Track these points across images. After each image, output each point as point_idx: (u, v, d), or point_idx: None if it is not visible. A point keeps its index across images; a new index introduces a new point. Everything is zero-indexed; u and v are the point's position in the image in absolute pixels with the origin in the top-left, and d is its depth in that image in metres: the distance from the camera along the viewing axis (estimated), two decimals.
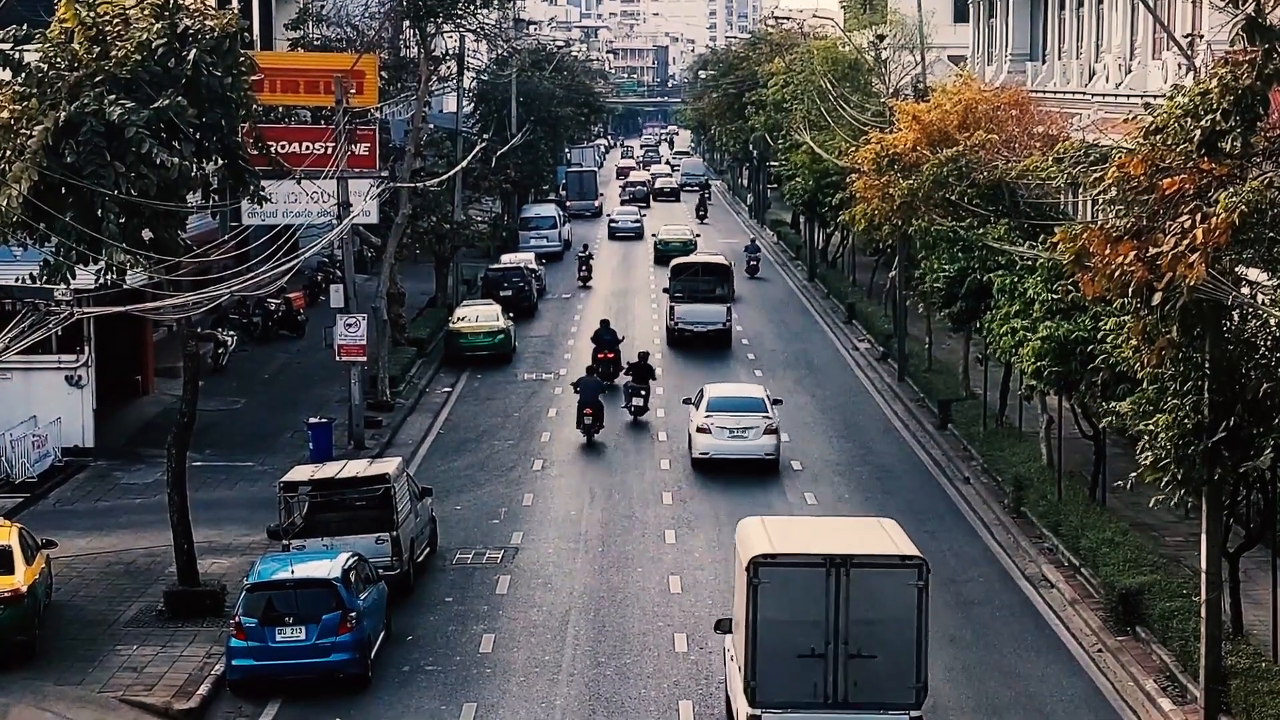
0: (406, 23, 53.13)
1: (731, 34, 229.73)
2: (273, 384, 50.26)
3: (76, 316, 27.76)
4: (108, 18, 27.69)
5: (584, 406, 43.15)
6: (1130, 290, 21.87)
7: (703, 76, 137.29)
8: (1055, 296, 32.35)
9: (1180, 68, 37.37)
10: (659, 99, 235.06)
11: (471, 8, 53.25)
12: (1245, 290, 22.52)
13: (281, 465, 36.22)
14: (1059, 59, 52.11)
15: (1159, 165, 21.46)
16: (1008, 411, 41.73)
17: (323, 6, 60.16)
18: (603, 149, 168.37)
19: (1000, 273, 36.58)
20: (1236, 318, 23.22)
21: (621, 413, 46.07)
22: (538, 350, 57.64)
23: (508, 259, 69.77)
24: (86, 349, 39.59)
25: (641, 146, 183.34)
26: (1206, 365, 22.79)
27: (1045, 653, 28.01)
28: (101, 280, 27.77)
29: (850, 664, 21.86)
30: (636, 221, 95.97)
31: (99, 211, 26.45)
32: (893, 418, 46.55)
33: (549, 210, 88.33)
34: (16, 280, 29.19)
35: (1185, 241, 20.35)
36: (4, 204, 25.80)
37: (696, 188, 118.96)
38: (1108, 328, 26.66)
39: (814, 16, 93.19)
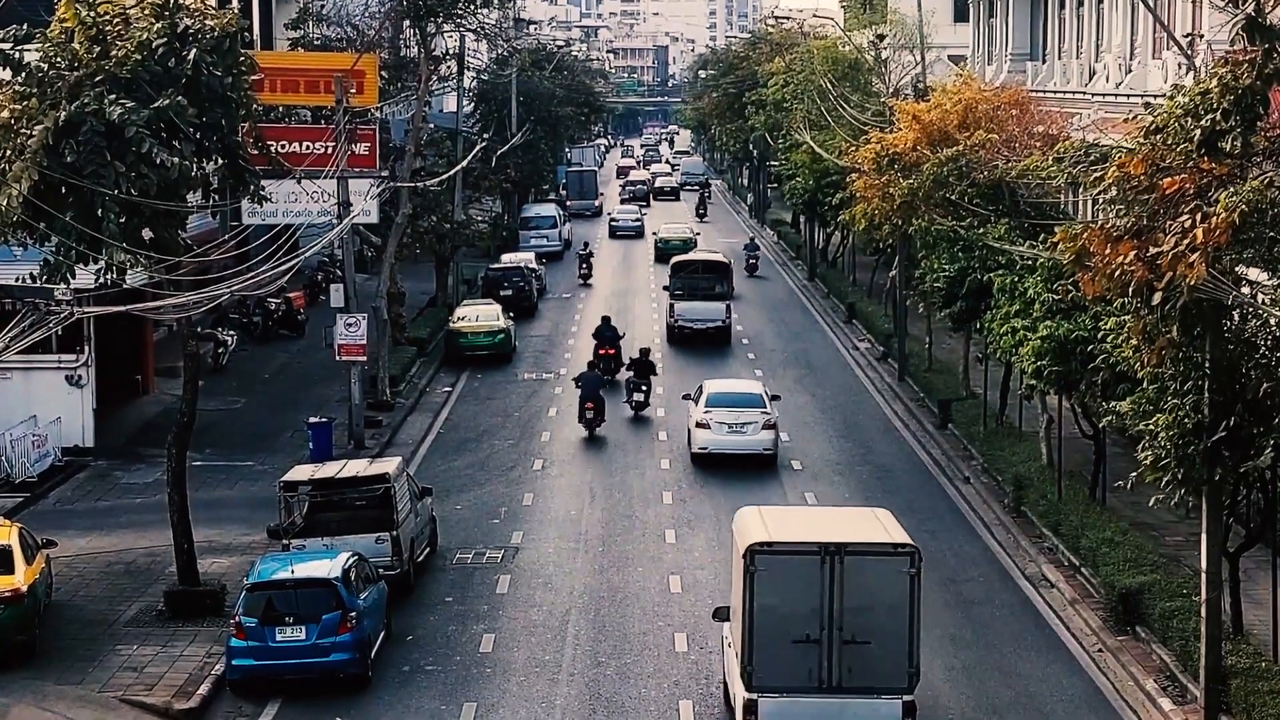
0: (406, 22, 53.16)
1: (731, 34, 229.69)
2: (273, 383, 50.26)
3: (76, 316, 27.74)
4: (108, 17, 27.69)
5: (585, 401, 43.58)
6: (1130, 290, 21.88)
7: (703, 76, 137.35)
8: (1055, 296, 32.34)
9: (1180, 67, 37.37)
10: (659, 99, 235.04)
11: (471, 7, 53.28)
12: (1245, 290, 22.52)
13: (281, 465, 36.22)
14: (1059, 58, 52.12)
15: (1159, 165, 21.47)
16: (1008, 411, 41.73)
17: (323, 6, 60.13)
18: (603, 149, 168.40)
19: (1000, 272, 36.58)
20: (1237, 317, 23.23)
21: (622, 408, 46.28)
22: (538, 350, 57.65)
23: (508, 258, 69.80)
24: (86, 349, 39.59)
25: (642, 146, 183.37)
26: (1207, 365, 22.79)
27: (1045, 652, 28.01)
28: (102, 280, 27.77)
29: (845, 649, 22.28)
30: (637, 220, 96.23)
31: (99, 211, 26.46)
32: (893, 417, 46.55)
33: (549, 210, 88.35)
34: (17, 280, 29.17)
35: (1185, 241, 20.36)
36: (4, 203, 25.80)
37: (696, 187, 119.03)
38: (1108, 327, 26.65)
39: (814, 16, 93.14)
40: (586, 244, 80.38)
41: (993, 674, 26.97)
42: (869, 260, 67.12)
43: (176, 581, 29.67)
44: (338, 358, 42.92)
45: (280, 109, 46.78)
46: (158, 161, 26.60)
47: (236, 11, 30.65)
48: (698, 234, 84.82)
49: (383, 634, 27.77)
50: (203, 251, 29.89)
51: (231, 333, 53.15)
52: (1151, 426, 23.59)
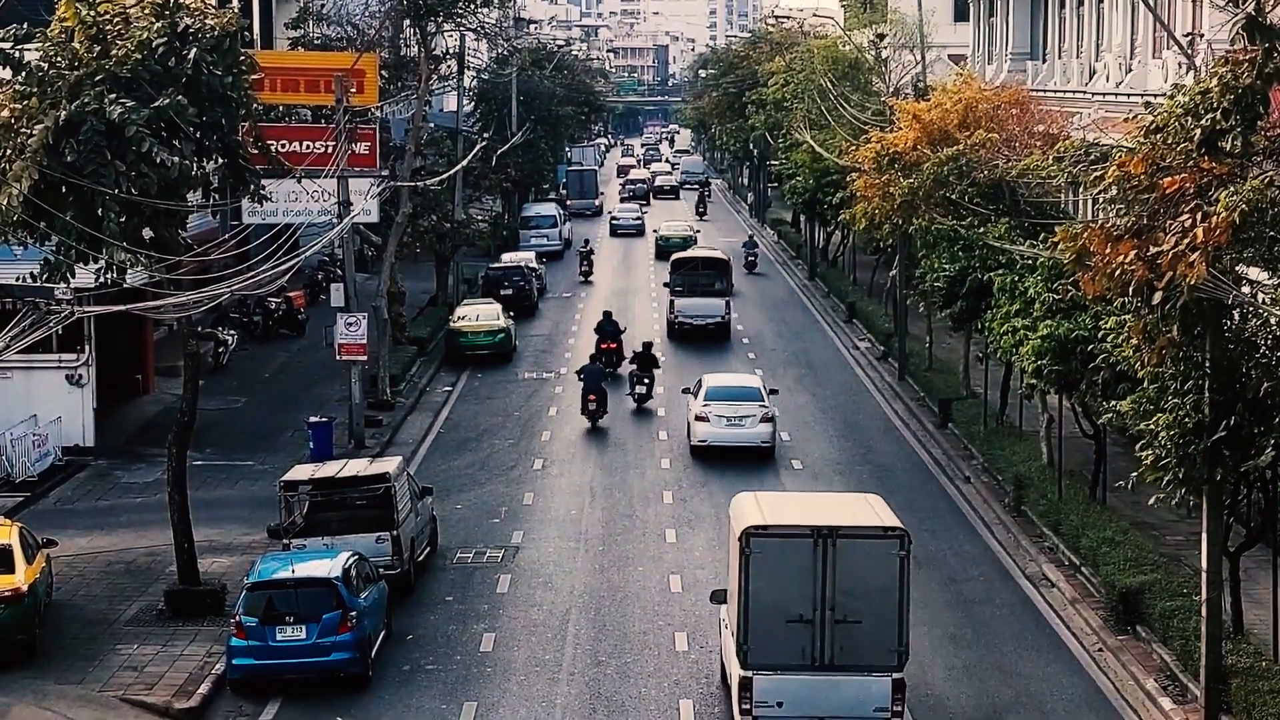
0: (407, 21, 53.16)
1: (732, 33, 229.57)
2: (273, 383, 50.26)
3: (77, 315, 27.73)
4: (108, 17, 27.68)
5: (588, 393, 44.41)
6: (1131, 289, 21.87)
7: (703, 75, 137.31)
8: (1056, 295, 32.34)
9: (1180, 67, 37.36)
10: (659, 98, 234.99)
11: (472, 7, 53.28)
12: (1246, 289, 22.52)
13: (282, 464, 36.22)
14: (1059, 58, 52.10)
15: (1159, 164, 21.47)
16: (1008, 410, 41.74)
17: (323, 5, 60.11)
18: (603, 148, 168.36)
19: (1001, 272, 36.56)
20: (1237, 317, 23.23)
21: (625, 400, 46.68)
22: (538, 349, 57.65)
23: (508, 258, 69.82)
24: (87, 348, 39.59)
25: (642, 145, 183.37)
26: (1207, 364, 22.79)
27: (1046, 652, 28.00)
28: (102, 279, 27.78)
29: (837, 629, 22.92)
30: (638, 219, 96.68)
31: (99, 210, 26.46)
32: (893, 417, 46.55)
33: (549, 209, 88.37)
34: (17, 279, 29.16)
35: (1186, 240, 20.35)
36: (4, 203, 25.79)
37: (696, 185, 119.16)
38: (1108, 327, 26.64)
39: (814, 16, 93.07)
40: (587, 241, 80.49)
41: (993, 673, 26.97)
42: (869, 260, 67.12)
43: (177, 581, 29.67)
44: (338, 357, 42.92)
45: (280, 108, 46.78)
46: (158, 161, 26.60)
47: (236, 11, 30.65)
48: (698, 232, 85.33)
49: (383, 633, 27.78)
50: (203, 251, 29.87)
51: (232, 332, 53.15)
52: (1152, 426, 23.60)
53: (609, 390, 45.77)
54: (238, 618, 25.98)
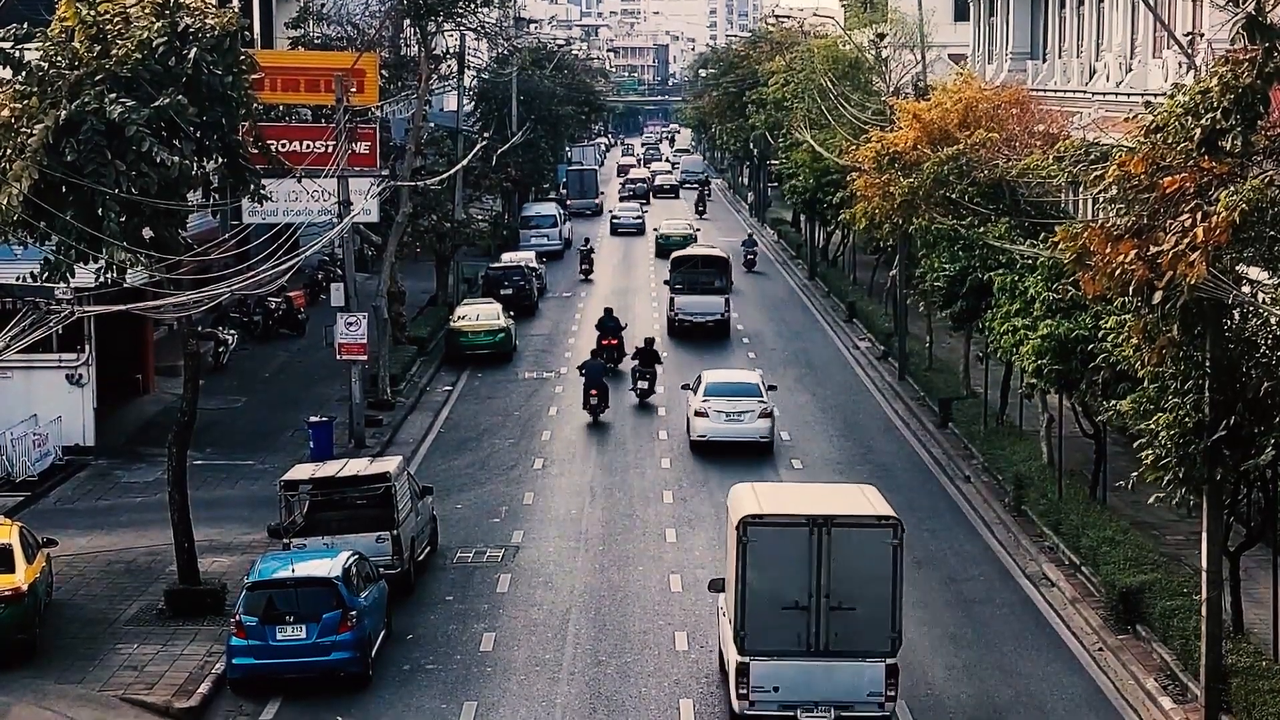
0: (407, 21, 53.15)
1: (732, 32, 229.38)
2: (273, 383, 50.27)
3: (77, 315, 27.73)
4: (108, 16, 27.68)
5: (590, 388, 45.08)
6: (1131, 289, 21.87)
7: (703, 75, 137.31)
8: (1056, 295, 32.34)
9: (1181, 66, 37.36)
10: (659, 98, 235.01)
11: (472, 6, 53.27)
12: (1246, 289, 22.51)
13: (282, 464, 36.23)
14: (1059, 57, 52.10)
15: (1159, 164, 21.46)
16: (1008, 410, 41.74)
17: (323, 5, 60.09)
18: (603, 147, 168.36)
19: (1001, 271, 36.56)
20: (1237, 316, 23.23)
21: (627, 395, 47.10)
22: (538, 349, 57.66)
23: (508, 257, 69.82)
24: (87, 347, 39.60)
25: (643, 145, 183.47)
26: (1207, 364, 22.79)
27: (1046, 651, 28.00)
28: (102, 279, 27.78)
29: (831, 615, 23.42)
30: (638, 218, 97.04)
31: (99, 210, 26.46)
32: (893, 416, 46.55)
33: (549, 209, 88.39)
34: (17, 279, 29.17)
35: (1186, 240, 20.35)
36: (5, 202, 25.79)
37: (696, 185, 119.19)
38: (1108, 326, 26.64)
39: (814, 15, 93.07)
40: (587, 240, 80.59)
41: (993, 673, 26.97)
42: (869, 259, 67.12)
43: (177, 580, 29.67)
44: (338, 357, 42.93)
45: (281, 108, 46.78)
46: (158, 160, 26.60)
47: (237, 10, 30.66)
48: (697, 230, 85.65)
49: (383, 633, 27.78)
50: (203, 250, 29.85)
51: (232, 332, 53.17)
52: (1152, 425, 23.59)
53: (610, 386, 46.26)
54: (238, 617, 25.98)
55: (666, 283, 60.89)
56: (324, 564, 26.96)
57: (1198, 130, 20.81)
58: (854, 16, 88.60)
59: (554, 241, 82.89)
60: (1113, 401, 27.62)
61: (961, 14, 71.53)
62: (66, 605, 29.49)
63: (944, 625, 29.04)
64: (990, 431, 40.84)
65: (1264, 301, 22.30)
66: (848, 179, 52.27)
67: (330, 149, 40.86)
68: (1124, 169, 21.83)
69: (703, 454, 41.14)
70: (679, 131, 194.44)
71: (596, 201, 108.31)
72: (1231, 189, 20.46)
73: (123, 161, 26.63)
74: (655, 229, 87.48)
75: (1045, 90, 50.43)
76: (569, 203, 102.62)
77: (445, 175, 55.75)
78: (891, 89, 57.38)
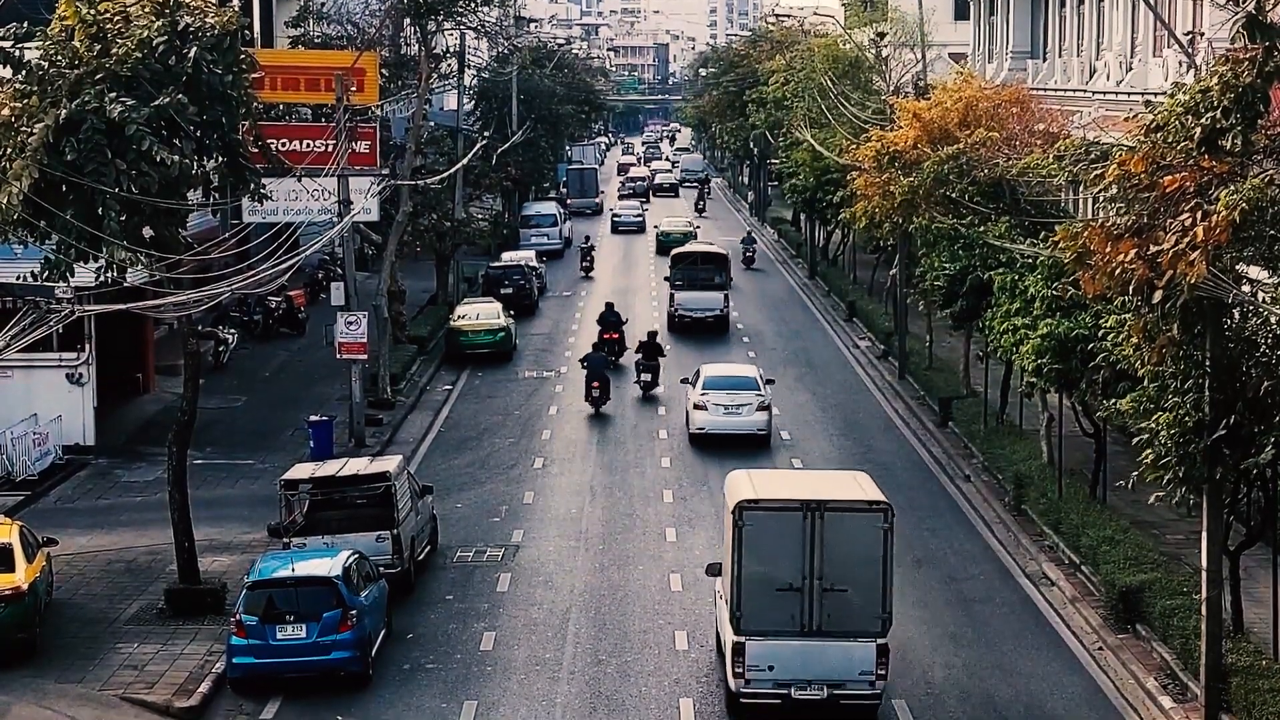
0: (407, 20, 53.14)
1: (732, 32, 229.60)
2: (273, 382, 50.27)
3: (77, 314, 27.75)
4: (108, 15, 27.68)
5: (592, 380, 45.95)
6: (1131, 288, 21.88)
7: (703, 74, 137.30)
8: (1056, 294, 32.34)
9: (1181, 65, 37.35)
10: (660, 97, 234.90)
11: (472, 5, 53.34)
12: (1246, 288, 22.50)
13: (282, 463, 36.23)
14: (1060, 56, 52.10)
15: (1160, 163, 21.47)
16: (1008, 409, 41.74)
17: (323, 4, 60.07)
18: (603, 147, 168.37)
19: (1001, 270, 36.56)
20: (1237, 316, 23.23)
21: (627, 394, 47.59)
22: (538, 348, 57.67)
23: (508, 257, 69.84)
24: (87, 347, 39.61)
25: (643, 144, 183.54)
26: (1207, 363, 22.79)
27: (1046, 650, 28.00)
28: (102, 278, 27.76)
29: (824, 597, 24.19)
30: (639, 216, 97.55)
31: (100, 209, 26.46)
32: (893, 415, 46.56)
33: (550, 208, 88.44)
34: (17, 278, 29.17)
35: (1186, 239, 20.36)
36: (5, 201, 25.78)
37: (695, 183, 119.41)
38: (1108, 325, 26.65)
39: (814, 14, 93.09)
40: (588, 238, 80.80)
41: (993, 672, 26.97)
42: (869, 258, 67.13)
43: (177, 580, 29.67)
44: (338, 356, 42.93)
45: (281, 107, 46.78)
46: (158, 159, 26.60)
47: (237, 9, 30.64)
48: (697, 226, 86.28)
49: (383, 632, 27.78)
50: (203, 250, 29.85)
51: (232, 331, 53.17)
52: (1152, 425, 23.60)
53: (611, 379, 47.06)
54: (238, 616, 25.98)
55: (667, 279, 61.66)
56: (324, 563, 26.96)
57: (1198, 129, 20.82)
58: (854, 15, 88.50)
59: (554, 240, 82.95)
60: (1113, 401, 27.62)
61: (962, 13, 71.55)
62: (67, 604, 29.49)
63: (944, 624, 29.04)
64: (990, 431, 40.84)
65: (1264, 301, 22.29)
66: (848, 178, 52.28)
67: (330, 148, 40.86)
68: (1124, 168, 21.83)
69: (702, 452, 41.21)
70: (679, 130, 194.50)
71: (596, 201, 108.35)
72: (1232, 188, 20.46)
73: (123, 160, 26.63)
74: (656, 226, 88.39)
75: (1045, 89, 50.43)
76: (569, 202, 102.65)
77: (445, 174, 55.75)
78: (892, 88, 57.37)
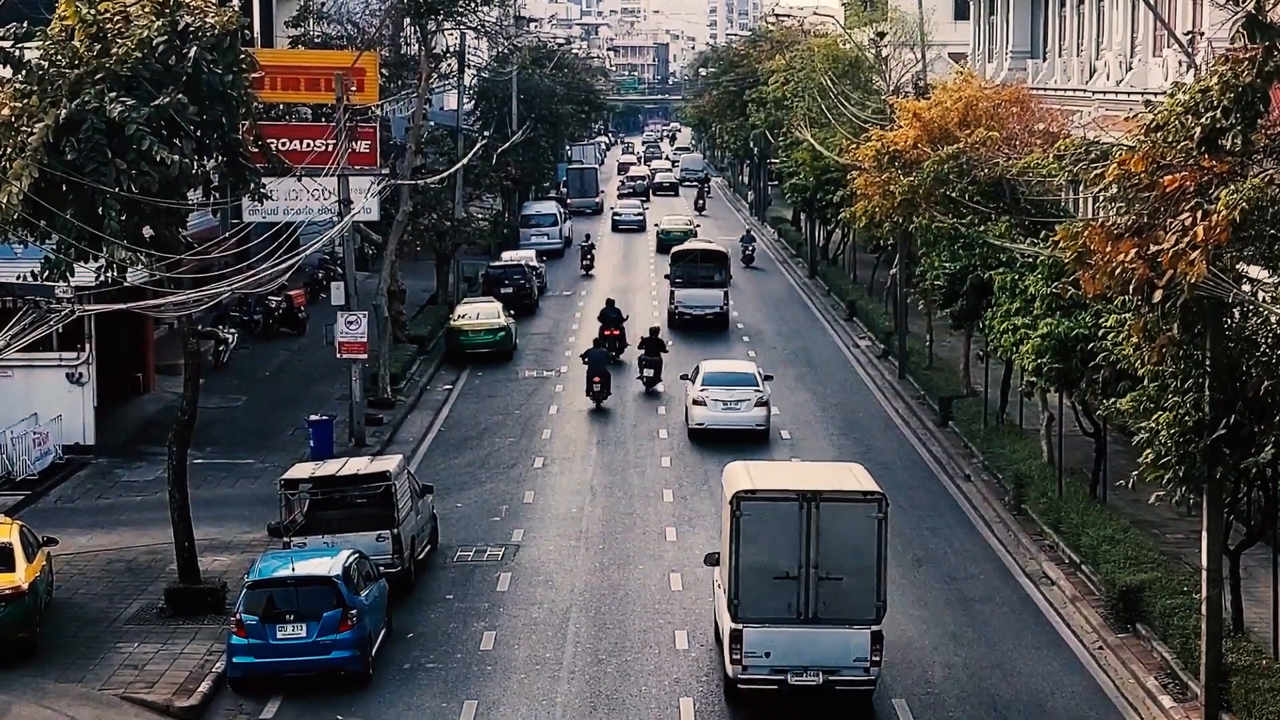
0: (407, 20, 53.15)
1: (732, 31, 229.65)
2: (274, 381, 50.27)
3: (77, 314, 27.75)
4: (108, 15, 27.68)
5: (593, 375, 46.54)
6: (1131, 287, 21.88)
7: (703, 74, 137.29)
8: (1056, 294, 32.34)
9: (1181, 65, 37.36)
10: (660, 96, 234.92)
11: (472, 5, 53.34)
12: (1246, 288, 22.51)
13: (282, 462, 36.24)
14: (1060, 56, 52.10)
15: (1160, 162, 21.47)
16: (1008, 409, 41.74)
17: (323, 4, 60.05)
18: (603, 146, 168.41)
19: (1001, 270, 36.57)
20: (1237, 315, 23.23)
21: (628, 390, 48.17)
22: (539, 347, 57.68)
23: (508, 256, 69.86)
24: (87, 346, 39.61)
25: (643, 143, 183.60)
26: (1207, 363, 22.79)
27: (1046, 650, 28.00)
28: (102, 278, 27.76)
29: (820, 585, 24.64)
30: (639, 214, 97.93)
31: (100, 209, 26.47)
32: (893, 415, 46.57)
33: (550, 207, 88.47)
34: (18, 278, 29.18)
35: (1186, 239, 20.36)
36: (5, 201, 25.79)
37: (695, 183, 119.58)
38: (1108, 325, 26.65)
39: (814, 14, 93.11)
40: (588, 236, 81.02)
41: (993, 671, 26.97)
42: (869, 258, 67.15)
43: (177, 579, 29.67)
44: (338, 355, 42.94)
45: (281, 107, 46.79)
46: (158, 159, 26.60)
47: (237, 9, 30.64)
48: (697, 225, 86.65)
49: (383, 631, 27.78)
50: (203, 249, 29.86)
51: (232, 330, 53.17)
52: (1152, 424, 23.60)
53: (612, 374, 47.59)
54: (238, 616, 25.98)
55: (667, 277, 62.17)
56: (324, 563, 26.96)
57: (1198, 129, 20.81)
58: (854, 15, 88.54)
59: (554, 240, 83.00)
60: (1113, 400, 27.61)
61: (961, 13, 71.56)
62: (67, 604, 29.49)
63: (944, 624, 29.04)
64: (990, 430, 40.84)
65: (1264, 300, 22.29)
66: (848, 178, 52.29)
67: (330, 148, 40.86)
68: (1124, 168, 21.84)
69: (702, 452, 41.20)
70: (679, 130, 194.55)
71: (597, 200, 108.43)
72: (1232, 188, 20.46)
73: (123, 160, 26.63)
74: (656, 224, 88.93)
75: (1045, 89, 50.43)
76: (569, 201, 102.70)
77: (445, 174, 55.74)
78: (891, 88, 57.38)
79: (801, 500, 24.73)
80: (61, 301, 27.89)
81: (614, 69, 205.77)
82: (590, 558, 33.20)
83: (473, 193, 72.28)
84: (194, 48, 27.61)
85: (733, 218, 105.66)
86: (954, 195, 40.39)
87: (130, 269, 27.59)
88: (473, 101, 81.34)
